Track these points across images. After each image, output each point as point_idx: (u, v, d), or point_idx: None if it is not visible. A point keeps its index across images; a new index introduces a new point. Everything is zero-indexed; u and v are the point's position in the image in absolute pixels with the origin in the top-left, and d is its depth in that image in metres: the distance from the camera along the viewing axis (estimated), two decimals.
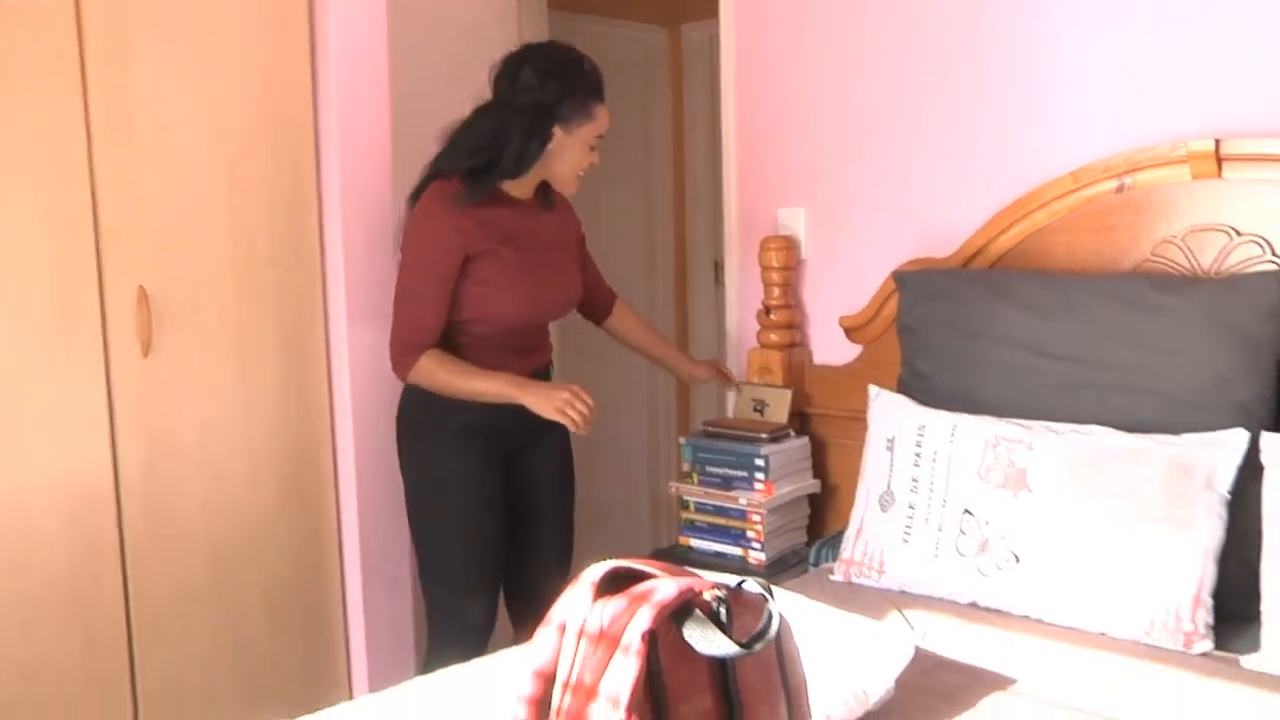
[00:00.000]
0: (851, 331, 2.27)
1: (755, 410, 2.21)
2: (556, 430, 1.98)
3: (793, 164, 2.29)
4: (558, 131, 1.81)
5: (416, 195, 1.88)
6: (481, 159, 1.81)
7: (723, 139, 2.40)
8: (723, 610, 1.09)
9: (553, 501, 2.06)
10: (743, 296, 2.44)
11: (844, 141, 2.21)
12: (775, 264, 2.31)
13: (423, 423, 1.92)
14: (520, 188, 1.89)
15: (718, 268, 3.43)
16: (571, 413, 1.81)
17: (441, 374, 1.85)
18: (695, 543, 2.21)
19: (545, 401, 1.82)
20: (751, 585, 1.13)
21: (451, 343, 1.92)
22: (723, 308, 2.93)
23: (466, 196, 1.81)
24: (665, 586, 1.09)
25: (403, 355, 1.87)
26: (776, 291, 2.33)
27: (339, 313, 2.07)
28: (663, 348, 2.25)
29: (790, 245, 2.31)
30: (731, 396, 2.31)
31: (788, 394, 2.20)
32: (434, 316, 1.86)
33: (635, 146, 3.39)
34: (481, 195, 1.83)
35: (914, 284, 2.06)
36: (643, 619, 1.05)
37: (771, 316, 2.33)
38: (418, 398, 1.89)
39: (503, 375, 1.87)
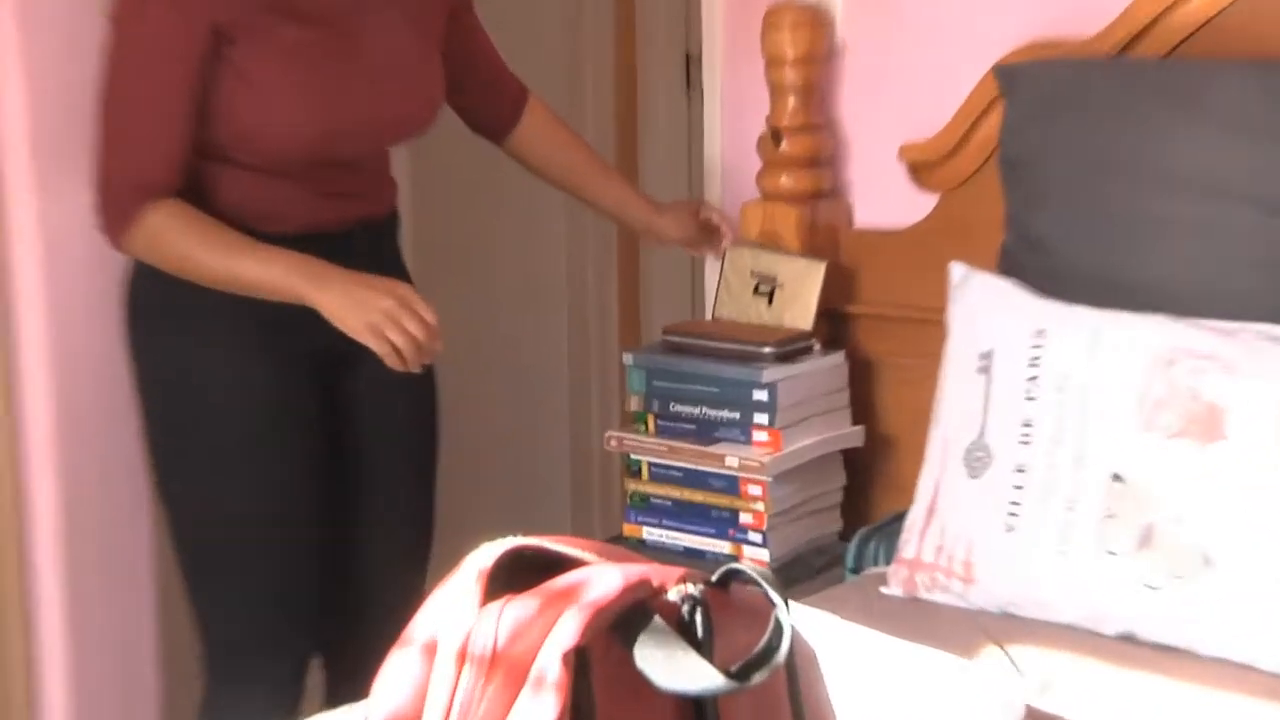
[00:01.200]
0: (921, 170, 2.29)
1: (759, 294, 2.25)
2: None
3: None
4: None
5: None
6: None
7: None
8: (697, 618, 1.13)
9: (404, 456, 2.14)
10: (733, 112, 2.43)
11: None
12: (790, 55, 2.29)
13: (170, 304, 1.98)
14: None
15: (690, 64, 3.46)
16: (395, 336, 1.85)
17: (182, 242, 1.89)
18: (651, 533, 2.27)
19: (352, 310, 1.86)
20: (747, 575, 1.17)
21: (206, 183, 1.95)
22: (697, 131, 2.86)
23: None
24: (602, 579, 1.13)
25: (117, 208, 1.90)
26: (792, 103, 2.33)
27: (17, 164, 2.09)
28: (607, 182, 2.31)
29: (815, 21, 2.30)
30: (715, 273, 2.34)
31: (819, 269, 2.24)
32: (167, 140, 1.89)
33: None
34: None
35: (1030, 86, 2.07)
36: (565, 631, 1.09)
37: (783, 147, 2.33)
38: (157, 270, 1.95)
39: (286, 256, 1.90)
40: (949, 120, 2.23)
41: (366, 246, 2.02)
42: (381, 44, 1.98)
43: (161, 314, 1.99)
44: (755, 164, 2.38)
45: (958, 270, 2.05)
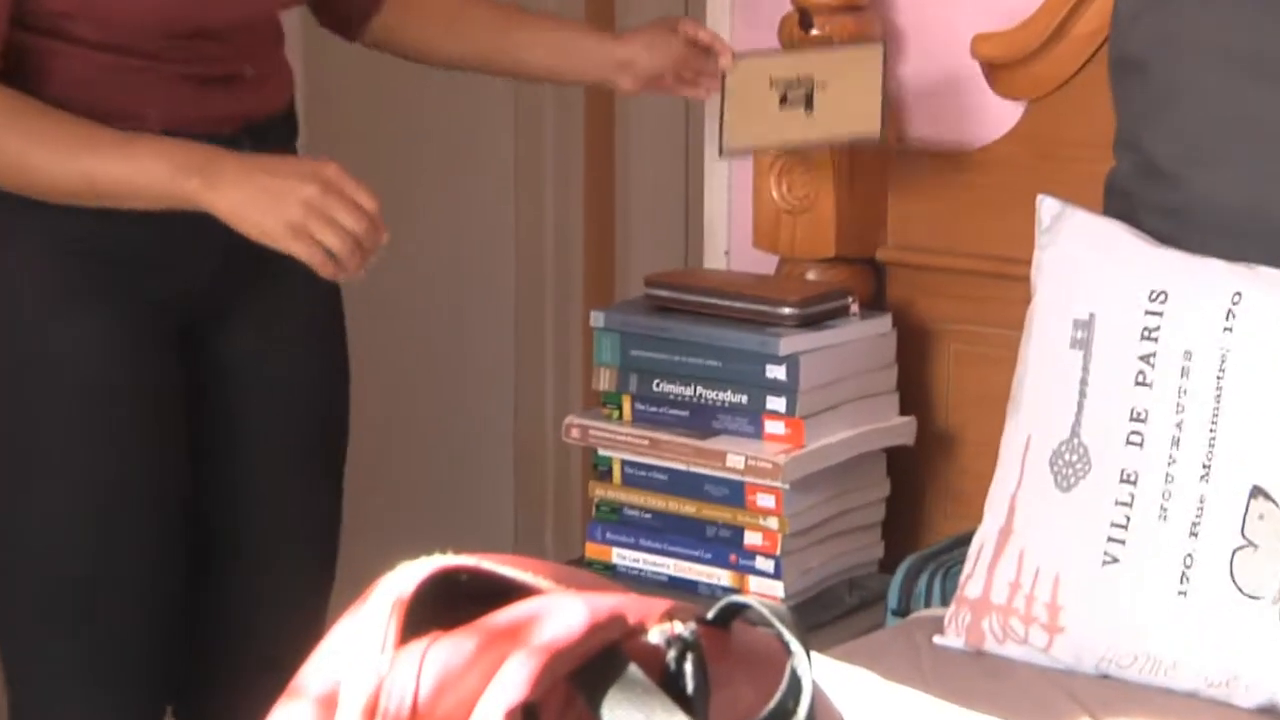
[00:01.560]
0: (999, 71, 2.22)
1: (789, 105, 2.17)
2: (297, 271, 1.94)
3: None
4: None
5: None
6: None
7: None
8: (687, 667, 1.09)
9: (299, 449, 2.14)
10: None
11: None
12: None
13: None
14: None
15: None
16: (325, 235, 1.83)
17: (10, 138, 1.89)
18: (624, 556, 2.27)
19: (264, 206, 1.85)
20: (754, 613, 1.13)
21: (30, 69, 1.94)
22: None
23: None
24: (561, 613, 1.10)
25: None
26: None
27: None
28: (535, 29, 2.23)
29: None
30: (714, 106, 2.22)
31: (875, 52, 2.18)
32: None
33: None
34: None
35: None
36: (511, 681, 1.06)
37: (814, 31, 2.25)
38: None
39: (157, 143, 1.90)
40: (1039, 4, 2.15)
41: (271, 143, 2.01)
42: None
43: None
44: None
45: (1048, 206, 2.02)
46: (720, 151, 2.21)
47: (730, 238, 2.43)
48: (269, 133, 2.05)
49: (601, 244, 3.60)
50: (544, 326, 3.60)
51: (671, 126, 3.50)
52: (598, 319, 2.23)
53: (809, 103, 2.15)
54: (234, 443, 2.09)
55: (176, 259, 1.91)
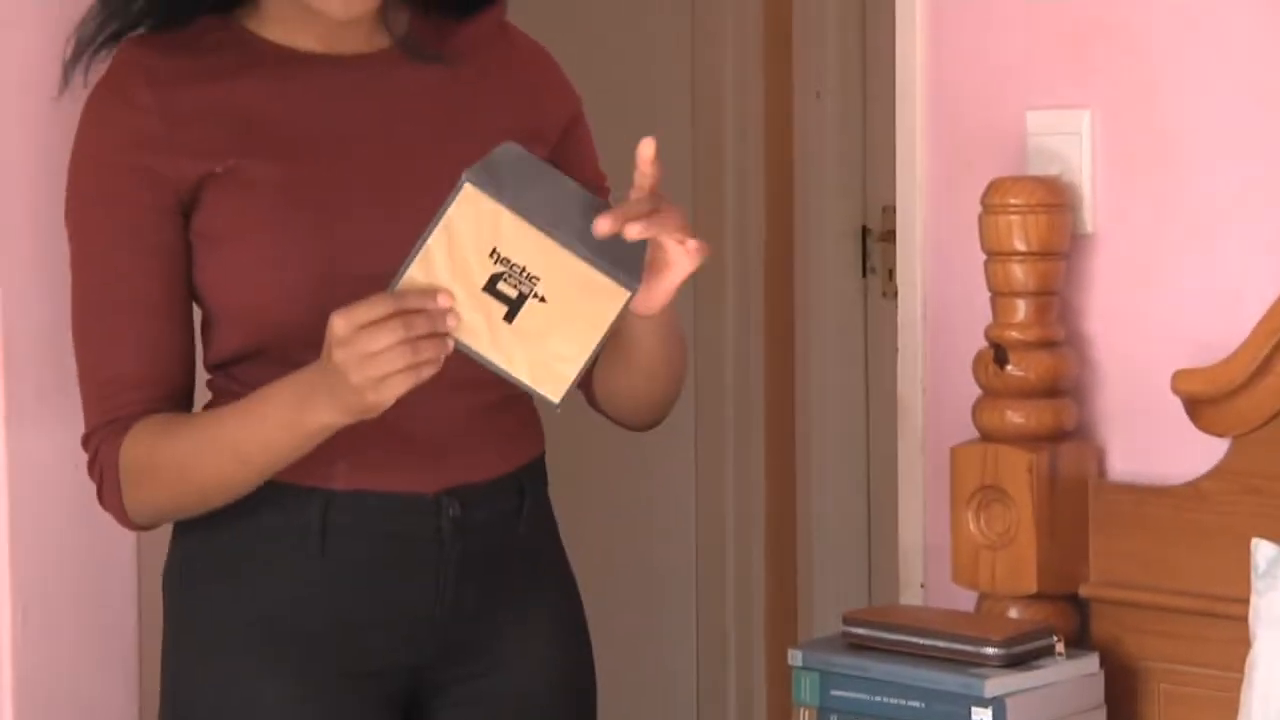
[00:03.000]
0: (1203, 407, 2.16)
1: (495, 294, 1.71)
2: (546, 603, 2.01)
3: (1062, 5, 2.32)
4: None
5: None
6: None
7: None
8: None
9: None
10: (938, 319, 2.42)
11: None
12: (1022, 245, 2.21)
13: (194, 604, 1.98)
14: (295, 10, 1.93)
15: (867, 242, 3.45)
16: (387, 365, 1.70)
17: (167, 446, 1.88)
18: None
19: (343, 395, 1.74)
20: None
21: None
22: (877, 333, 2.83)
23: (156, 52, 1.91)
24: None
25: (95, 450, 1.92)
26: (1023, 310, 2.23)
27: None
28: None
29: (1057, 201, 2.23)
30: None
31: (617, 296, 1.73)
32: (136, 345, 1.90)
33: None
34: (182, 31, 1.93)
35: None
36: None
37: (1012, 369, 2.21)
38: (196, 547, 1.96)
39: (280, 386, 1.85)
40: (1243, 340, 2.11)
41: (479, 521, 1.95)
42: (410, 161, 1.94)
43: (186, 607, 1.97)
44: (970, 391, 2.26)
45: (1264, 550, 1.95)
46: (391, 285, 1.71)
47: (926, 571, 2.38)
48: (500, 493, 1.96)
49: (782, 575, 3.58)
50: (727, 665, 3.56)
51: (851, 452, 3.53)
52: (796, 658, 2.17)
53: (513, 308, 1.71)
54: None
55: (387, 625, 1.88)
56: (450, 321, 1.69)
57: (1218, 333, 2.14)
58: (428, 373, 1.69)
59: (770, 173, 3.73)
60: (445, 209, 1.68)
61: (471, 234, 1.70)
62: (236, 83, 1.91)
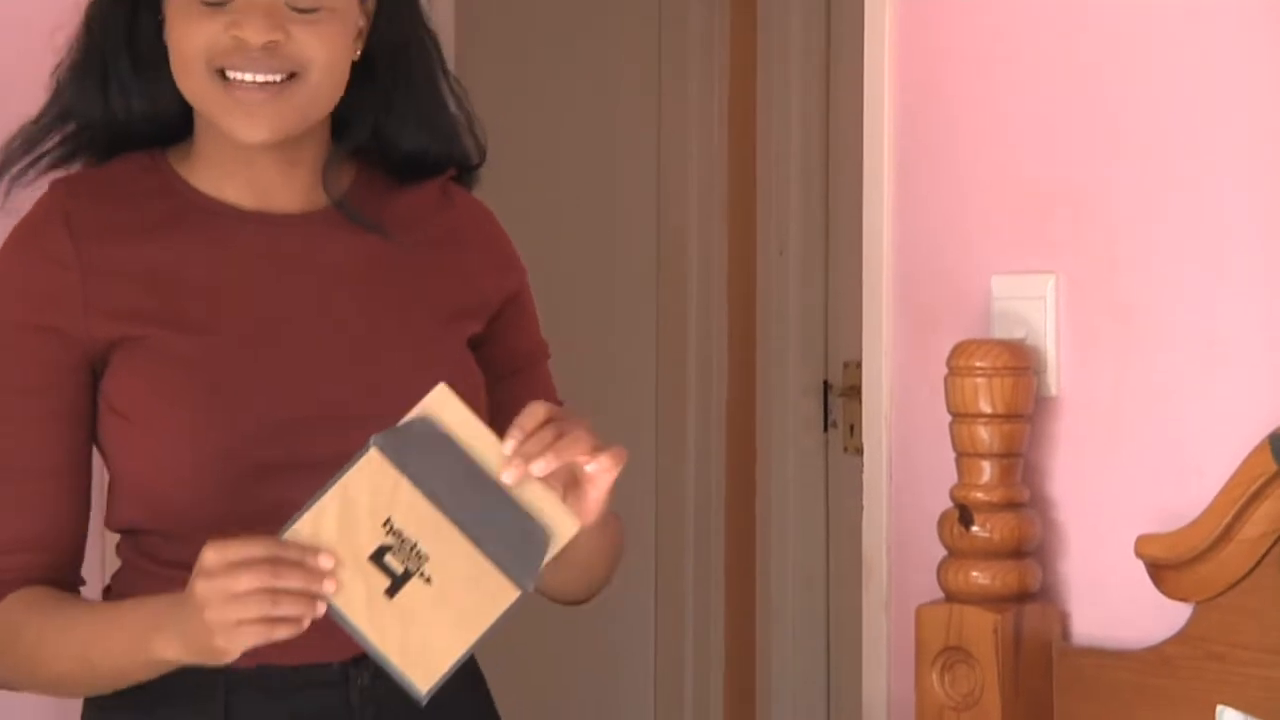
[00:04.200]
0: (1166, 572, 2.15)
1: (380, 567, 1.62)
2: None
3: (1028, 172, 2.32)
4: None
5: None
6: (60, 110, 1.90)
7: (865, 109, 2.46)
8: None
9: None
10: (903, 479, 2.42)
11: (1152, 118, 2.22)
12: (987, 407, 2.21)
13: None
14: (238, 162, 1.88)
15: (828, 397, 3.45)
16: (244, 610, 1.59)
17: (26, 629, 1.80)
18: None
19: (193, 631, 1.64)
20: None
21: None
22: (846, 499, 2.85)
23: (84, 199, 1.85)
24: None
25: None
26: (989, 472, 2.22)
27: None
28: None
29: (1022, 363, 2.23)
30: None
31: (509, 595, 1.63)
32: (26, 507, 1.82)
33: (636, 114, 3.72)
34: (110, 168, 1.89)
35: None
36: None
37: (977, 530, 2.20)
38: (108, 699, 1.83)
39: (137, 605, 1.76)
40: (1207, 505, 2.10)
41: (390, 688, 1.70)
42: (335, 344, 1.86)
43: None
44: (935, 550, 2.25)
45: (1230, 718, 1.93)
46: (280, 532, 1.61)
47: None
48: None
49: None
50: None
51: (813, 609, 3.52)
52: None
53: (396, 583, 1.61)
54: None
55: None
56: (327, 586, 1.58)
57: (1181, 498, 2.13)
58: (283, 633, 1.59)
59: (734, 327, 3.73)
60: (347, 469, 1.60)
61: (368, 499, 1.61)
62: (162, 241, 1.84)
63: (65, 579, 1.83)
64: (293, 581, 1.57)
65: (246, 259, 1.85)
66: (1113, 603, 2.21)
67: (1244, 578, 2.07)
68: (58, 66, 1.87)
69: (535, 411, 1.67)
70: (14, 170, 1.86)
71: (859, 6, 2.44)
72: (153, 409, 1.79)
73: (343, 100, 1.85)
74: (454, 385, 1.71)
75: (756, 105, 3.82)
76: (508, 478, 1.63)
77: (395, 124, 1.91)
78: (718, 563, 3.70)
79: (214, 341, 1.81)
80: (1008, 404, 2.18)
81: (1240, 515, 2.06)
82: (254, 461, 1.78)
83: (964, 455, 2.21)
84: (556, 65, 3.81)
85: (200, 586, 1.59)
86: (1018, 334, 2.25)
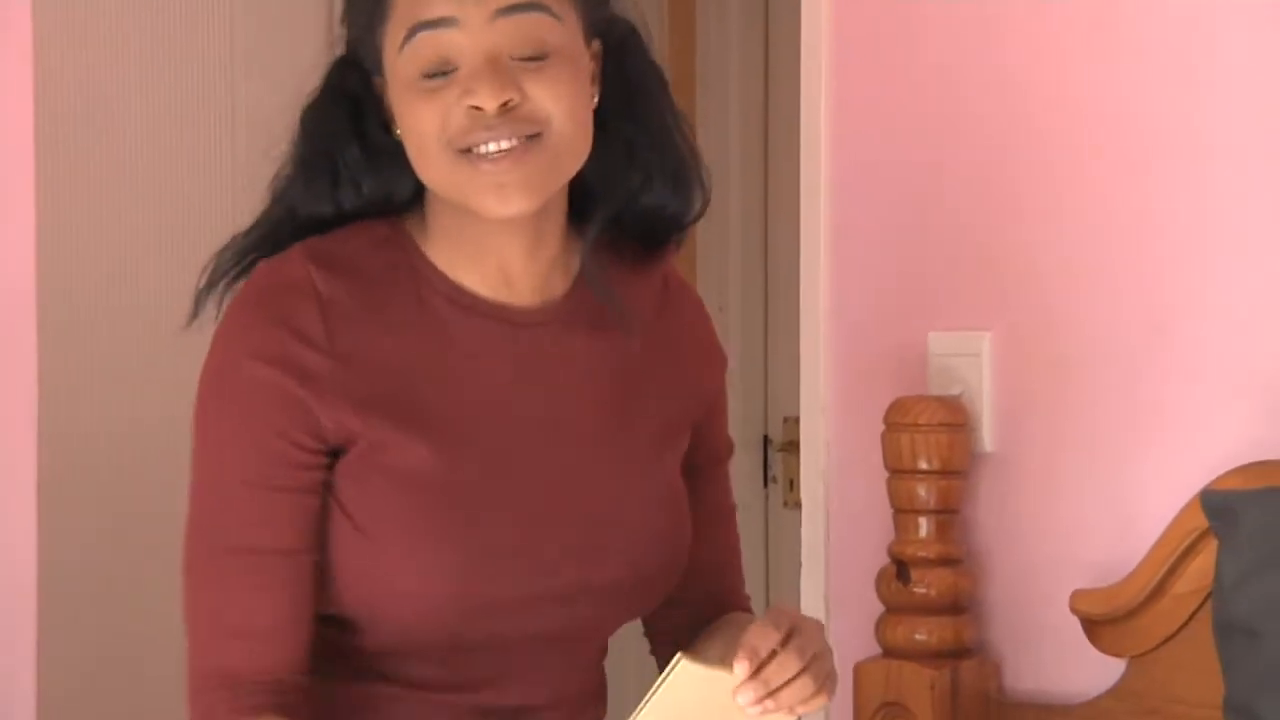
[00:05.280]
0: (1099, 627, 2.18)
1: None
2: None
3: (964, 231, 2.35)
4: (376, 83, 1.75)
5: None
6: (282, 213, 1.77)
7: (802, 168, 2.47)
8: None
9: None
10: (841, 535, 2.43)
11: (1086, 177, 2.25)
12: (924, 463, 2.23)
13: None
14: (484, 257, 1.74)
15: (768, 451, 3.47)
16: None
17: None
18: None
19: None
20: None
21: (334, 675, 1.74)
22: (786, 554, 2.80)
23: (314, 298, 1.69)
24: None
25: (207, 711, 1.69)
26: (926, 528, 2.25)
27: None
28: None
29: (958, 420, 2.25)
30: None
31: None
32: (258, 620, 1.68)
33: None
34: (350, 238, 1.74)
35: (1257, 522, 1.99)
36: None
37: (915, 588, 2.22)
38: None
39: None
40: (1138, 562, 2.13)
41: None
42: (599, 463, 1.76)
43: None
44: (873, 606, 2.27)
45: None
46: None
47: None
48: None
49: None
50: None
51: None
52: None
53: None
54: None
55: None
56: None
57: (1114, 554, 2.16)
58: None
59: None
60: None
61: None
62: (404, 331, 1.71)
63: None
64: None
65: (486, 361, 1.72)
66: (1048, 658, 2.23)
67: (1177, 632, 2.09)
68: (274, 178, 1.76)
69: (767, 634, 1.60)
70: (225, 281, 1.74)
71: (795, 67, 2.45)
72: (384, 526, 1.69)
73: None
74: (678, 530, 1.79)
75: None
76: (743, 700, 1.58)
77: (638, 182, 1.76)
78: None
79: (452, 457, 1.69)
80: (944, 460, 2.20)
81: (1173, 571, 2.09)
82: (482, 593, 1.70)
83: (901, 511, 2.22)
84: None
85: None
86: (954, 390, 2.27)
